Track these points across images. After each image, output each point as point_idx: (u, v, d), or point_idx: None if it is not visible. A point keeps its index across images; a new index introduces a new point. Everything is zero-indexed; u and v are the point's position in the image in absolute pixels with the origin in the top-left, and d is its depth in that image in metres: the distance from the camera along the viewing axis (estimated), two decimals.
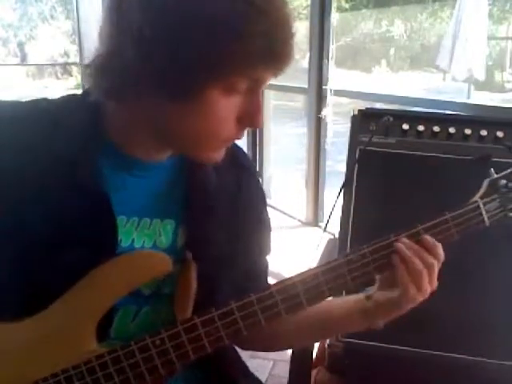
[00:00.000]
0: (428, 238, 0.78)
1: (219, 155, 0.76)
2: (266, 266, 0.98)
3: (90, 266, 0.72)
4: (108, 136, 0.76)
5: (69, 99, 0.80)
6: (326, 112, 3.43)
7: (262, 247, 0.96)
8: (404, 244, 0.77)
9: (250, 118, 0.72)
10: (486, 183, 0.83)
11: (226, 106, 0.69)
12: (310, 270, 0.76)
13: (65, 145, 0.74)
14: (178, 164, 0.82)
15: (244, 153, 0.95)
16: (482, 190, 0.83)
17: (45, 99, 0.80)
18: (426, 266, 0.76)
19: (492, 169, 0.84)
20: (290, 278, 0.75)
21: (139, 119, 0.74)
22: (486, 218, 0.80)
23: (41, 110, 0.77)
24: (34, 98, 0.80)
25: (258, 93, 0.72)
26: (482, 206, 0.80)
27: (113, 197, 0.75)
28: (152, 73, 0.66)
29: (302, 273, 0.76)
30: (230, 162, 0.80)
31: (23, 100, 0.80)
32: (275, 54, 0.67)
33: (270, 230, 0.96)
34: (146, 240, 0.80)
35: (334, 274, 0.76)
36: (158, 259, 0.76)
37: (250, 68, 0.67)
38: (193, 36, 0.63)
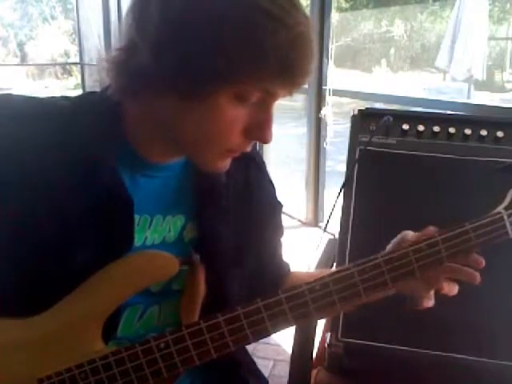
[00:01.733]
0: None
1: (224, 165, 0.75)
2: (280, 252, 1.00)
3: (101, 266, 0.72)
4: (124, 136, 0.76)
5: (88, 98, 0.80)
6: (326, 112, 3.43)
7: (278, 236, 0.98)
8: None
9: (258, 132, 0.71)
10: (510, 193, 0.79)
11: (234, 113, 0.68)
12: (321, 278, 0.74)
13: (82, 145, 0.73)
14: (187, 162, 0.82)
15: (254, 147, 0.94)
16: (506, 201, 0.79)
17: (64, 97, 0.79)
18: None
19: None
20: (299, 286, 0.73)
21: (152, 120, 0.73)
22: (509, 231, 0.76)
23: (59, 109, 0.76)
24: (53, 96, 0.79)
25: (270, 107, 0.70)
26: (506, 217, 0.76)
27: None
28: (165, 72, 0.66)
29: (312, 281, 0.74)
30: (240, 158, 0.78)
31: (41, 96, 0.79)
32: (291, 70, 0.66)
33: (281, 217, 0.98)
34: (156, 237, 0.80)
35: (346, 284, 0.74)
36: (166, 260, 0.75)
37: (262, 79, 0.65)
38: (206, 41, 0.63)
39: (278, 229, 0.98)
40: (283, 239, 1.00)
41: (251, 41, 0.62)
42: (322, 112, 3.42)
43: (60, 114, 0.75)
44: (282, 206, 0.98)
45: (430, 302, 0.84)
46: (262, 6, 0.63)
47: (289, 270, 1.00)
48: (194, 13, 0.63)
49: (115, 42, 0.72)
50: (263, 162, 0.96)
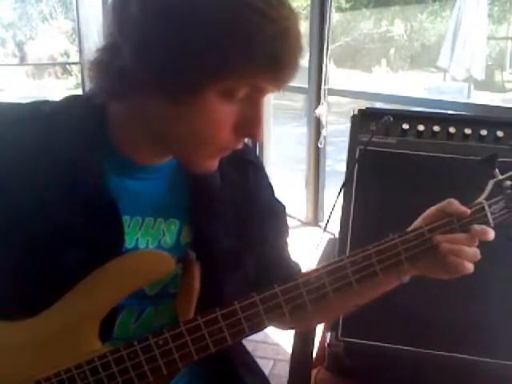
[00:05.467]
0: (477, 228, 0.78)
1: (213, 164, 0.75)
2: (287, 252, 0.98)
3: (94, 268, 0.72)
4: (110, 139, 0.76)
5: (71, 101, 0.80)
6: (321, 111, 3.42)
7: (282, 235, 0.96)
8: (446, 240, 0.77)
9: (249, 128, 0.70)
10: (490, 184, 0.82)
11: (224, 111, 0.68)
12: (314, 270, 0.76)
13: (66, 147, 0.73)
14: (180, 165, 0.81)
15: (250, 148, 0.94)
16: (486, 191, 0.82)
17: (46, 101, 0.79)
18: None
19: (497, 170, 0.83)
20: (293, 279, 0.75)
21: (138, 121, 0.73)
22: (490, 220, 0.80)
23: (42, 112, 0.76)
24: (35, 100, 0.79)
25: (259, 103, 0.69)
26: (487, 207, 0.80)
27: (115, 197, 0.75)
28: (150, 73, 0.65)
29: (306, 273, 0.76)
30: (235, 157, 0.79)
31: (24, 102, 0.79)
32: (277, 64, 0.65)
33: (285, 217, 0.96)
34: (150, 240, 0.80)
35: (339, 275, 0.76)
36: (162, 259, 0.75)
37: (249, 74, 0.65)
38: (192, 38, 0.62)
39: (281, 230, 0.96)
40: (288, 240, 0.98)
41: (237, 35, 0.62)
42: (317, 111, 3.42)
43: (42, 117, 0.75)
44: (284, 207, 0.97)
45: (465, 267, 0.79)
46: (246, 0, 0.62)
47: (299, 270, 0.98)
48: (178, 10, 0.62)
49: (98, 43, 0.71)
50: (262, 166, 0.96)
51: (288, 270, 0.96)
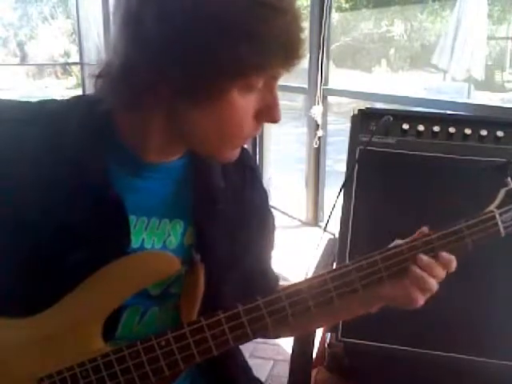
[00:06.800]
0: (445, 255, 0.77)
1: (236, 153, 0.78)
2: (270, 264, 0.98)
3: (99, 267, 0.72)
4: (119, 138, 0.76)
5: (78, 101, 0.80)
6: (316, 111, 3.41)
7: (267, 246, 0.97)
8: (421, 263, 0.77)
9: (268, 113, 0.73)
10: (502, 193, 0.82)
11: (246, 103, 0.71)
12: (319, 275, 0.76)
13: (69, 146, 0.73)
14: (186, 165, 0.82)
15: (249, 153, 0.96)
16: (498, 200, 0.81)
17: (53, 100, 0.80)
18: (437, 280, 0.78)
19: (509, 178, 0.83)
20: (298, 283, 0.76)
21: (155, 125, 0.74)
22: (501, 229, 0.79)
23: (49, 111, 0.77)
24: (43, 99, 0.80)
25: (274, 88, 0.73)
26: (498, 216, 0.79)
27: (122, 196, 0.75)
28: (170, 82, 0.66)
29: (311, 278, 0.76)
30: (237, 162, 0.80)
31: (31, 100, 0.79)
32: (291, 51, 0.68)
33: (273, 229, 0.97)
34: (155, 240, 0.80)
35: (344, 281, 0.76)
36: (167, 260, 0.75)
37: (267, 67, 0.68)
38: (209, 42, 0.64)
39: (266, 235, 0.97)
40: (273, 252, 0.99)
41: (254, 37, 0.64)
42: (312, 111, 3.42)
43: (45, 117, 0.75)
44: (273, 218, 0.97)
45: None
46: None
47: (277, 281, 0.99)
48: (196, 21, 0.63)
49: (106, 55, 0.71)
50: (260, 173, 0.98)
51: (265, 280, 0.96)
